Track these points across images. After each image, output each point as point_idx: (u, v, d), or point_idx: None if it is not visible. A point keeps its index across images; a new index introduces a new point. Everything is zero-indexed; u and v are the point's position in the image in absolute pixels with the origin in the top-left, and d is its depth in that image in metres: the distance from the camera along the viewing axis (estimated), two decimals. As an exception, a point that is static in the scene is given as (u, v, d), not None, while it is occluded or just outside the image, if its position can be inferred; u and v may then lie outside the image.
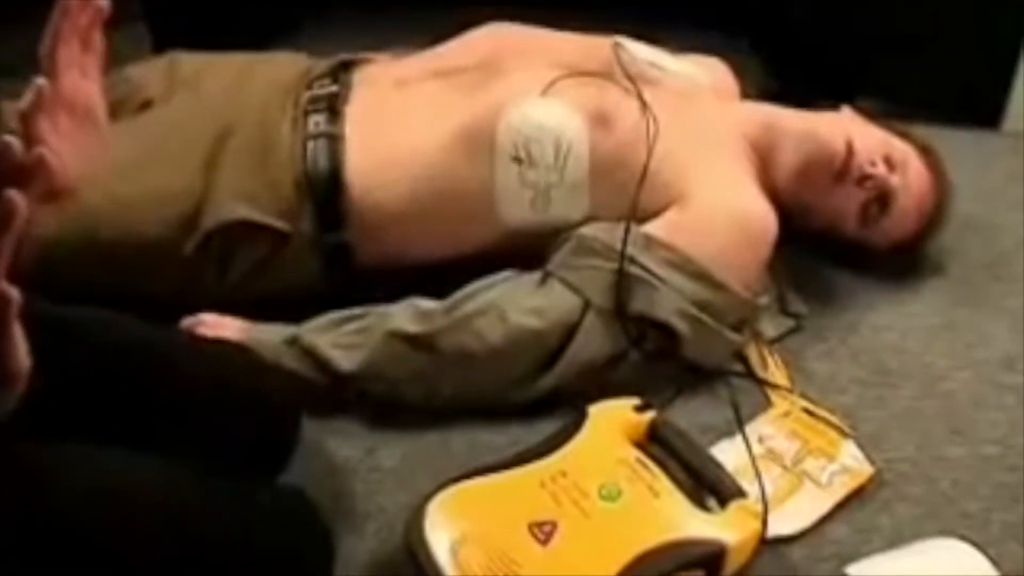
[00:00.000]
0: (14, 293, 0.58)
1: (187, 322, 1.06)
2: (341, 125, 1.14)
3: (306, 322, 1.08)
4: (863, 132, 1.23)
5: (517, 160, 1.11)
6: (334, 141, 1.12)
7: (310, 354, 1.04)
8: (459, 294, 1.08)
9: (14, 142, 0.66)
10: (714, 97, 1.28)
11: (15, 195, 0.57)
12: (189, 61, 1.26)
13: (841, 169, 1.19)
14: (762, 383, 1.14)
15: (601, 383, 1.07)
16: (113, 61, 1.08)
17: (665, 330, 1.09)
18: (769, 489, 0.99)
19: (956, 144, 1.36)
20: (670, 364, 1.11)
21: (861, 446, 1.06)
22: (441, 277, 1.12)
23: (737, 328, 1.14)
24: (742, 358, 1.16)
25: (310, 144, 1.12)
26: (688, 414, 1.08)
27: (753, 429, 1.08)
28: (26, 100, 0.73)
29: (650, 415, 1.00)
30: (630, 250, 1.08)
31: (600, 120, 1.14)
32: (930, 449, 1.07)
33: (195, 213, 1.08)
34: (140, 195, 1.08)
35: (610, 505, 0.91)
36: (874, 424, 1.09)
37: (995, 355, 1.20)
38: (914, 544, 0.94)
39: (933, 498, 1.01)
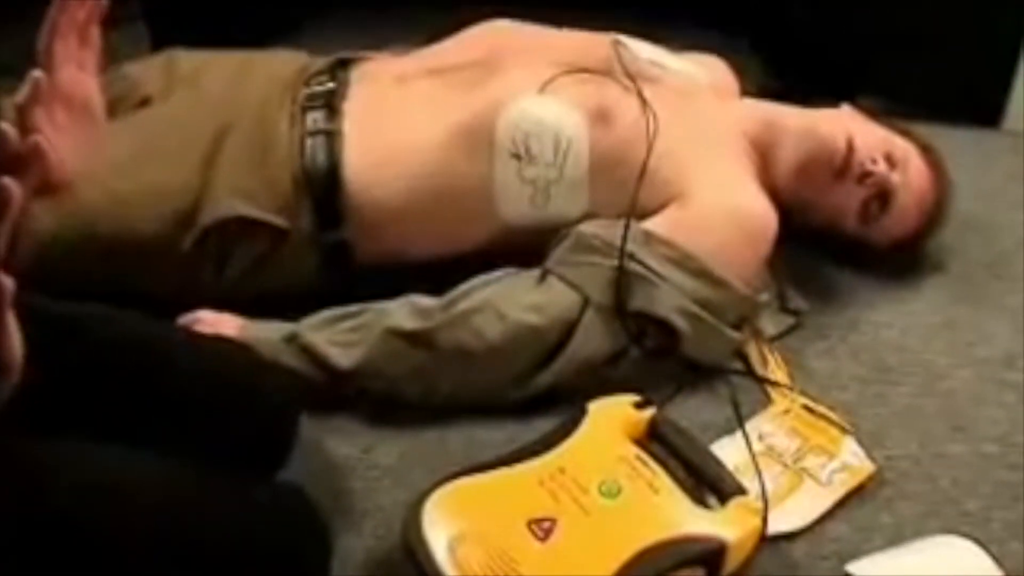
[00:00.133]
0: (8, 282, 0.57)
1: (185, 319, 1.06)
2: (339, 122, 1.14)
3: (304, 319, 1.07)
4: (864, 129, 1.22)
5: (516, 157, 1.11)
6: (332, 138, 1.12)
7: (308, 351, 1.04)
8: (457, 291, 1.08)
9: (9, 130, 0.66)
10: (714, 95, 1.28)
11: (10, 183, 0.57)
12: (187, 59, 1.26)
13: (841, 166, 1.19)
14: (762, 381, 1.13)
15: (600, 380, 1.06)
16: (112, 60, 1.09)
17: (665, 327, 1.09)
18: (769, 487, 0.99)
19: (956, 143, 1.36)
20: (670, 361, 1.11)
21: (862, 443, 1.05)
22: (440, 274, 1.11)
23: (737, 326, 1.14)
24: (742, 356, 1.16)
25: (308, 141, 1.12)
26: (688, 412, 1.07)
27: (753, 427, 1.07)
28: (23, 93, 0.73)
29: (650, 412, 1.00)
30: (629, 247, 1.08)
31: (600, 117, 1.13)
32: (931, 447, 1.06)
33: (193, 210, 1.08)
34: (138, 192, 1.07)
35: (610, 502, 0.90)
36: (874, 422, 1.09)
37: (996, 353, 1.19)
38: (915, 542, 0.94)
39: (934, 496, 1.01)
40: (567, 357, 1.06)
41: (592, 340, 1.07)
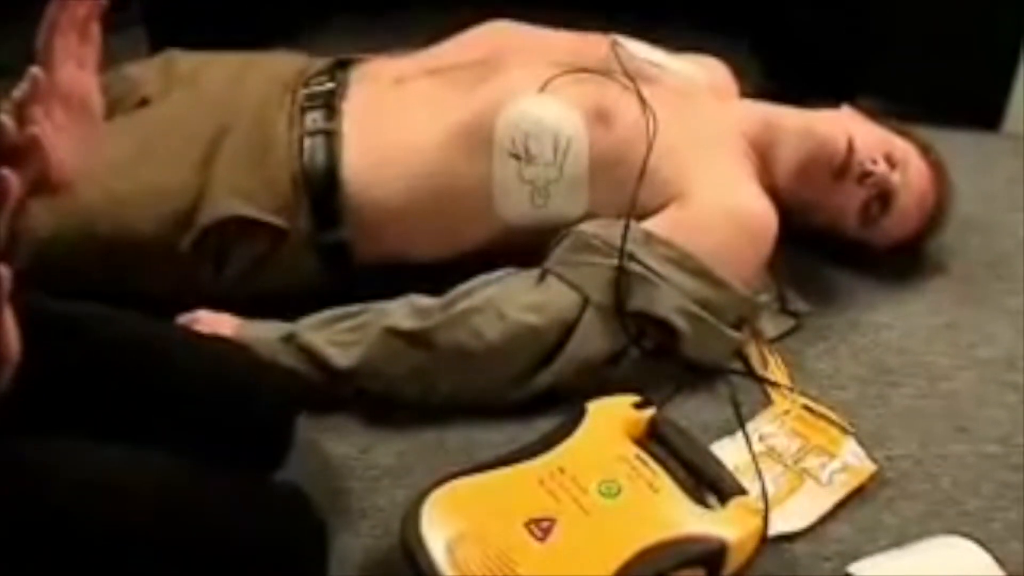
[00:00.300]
0: (5, 272, 0.57)
1: (183, 319, 1.05)
2: (338, 122, 1.13)
3: (303, 319, 1.07)
4: (863, 130, 1.22)
5: (515, 156, 1.11)
6: (331, 138, 1.12)
7: (306, 351, 1.04)
8: (457, 291, 1.08)
9: (8, 121, 0.65)
10: (712, 96, 1.28)
11: (8, 173, 0.56)
12: (186, 59, 1.26)
13: (841, 167, 1.19)
14: (762, 381, 1.13)
15: (600, 380, 1.06)
16: (111, 64, 1.09)
17: (664, 327, 1.08)
18: (770, 487, 0.98)
19: (956, 146, 1.36)
20: (670, 362, 1.11)
21: (862, 444, 1.05)
22: (439, 275, 1.11)
23: (737, 326, 1.13)
24: (742, 357, 1.15)
25: (307, 141, 1.12)
26: (688, 412, 1.07)
27: (753, 427, 1.07)
28: (21, 89, 0.73)
29: (650, 412, 0.99)
30: (629, 247, 1.08)
31: (599, 117, 1.13)
32: (932, 447, 1.06)
33: (191, 210, 1.07)
34: (137, 191, 1.07)
35: (609, 502, 0.90)
36: (875, 422, 1.09)
37: (997, 354, 1.19)
38: (917, 543, 0.93)
39: (935, 496, 1.00)
40: (567, 357, 1.06)
41: (592, 340, 1.07)
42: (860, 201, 1.21)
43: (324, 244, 1.12)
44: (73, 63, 0.78)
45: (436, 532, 0.86)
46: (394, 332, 1.04)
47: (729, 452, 1.02)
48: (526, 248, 1.12)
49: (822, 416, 1.08)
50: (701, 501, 0.93)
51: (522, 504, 0.89)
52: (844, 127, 1.21)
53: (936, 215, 1.26)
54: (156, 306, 0.95)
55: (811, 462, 1.03)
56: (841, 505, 0.98)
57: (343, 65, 1.23)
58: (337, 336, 1.05)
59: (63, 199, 0.81)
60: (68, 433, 0.76)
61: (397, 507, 0.92)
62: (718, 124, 1.23)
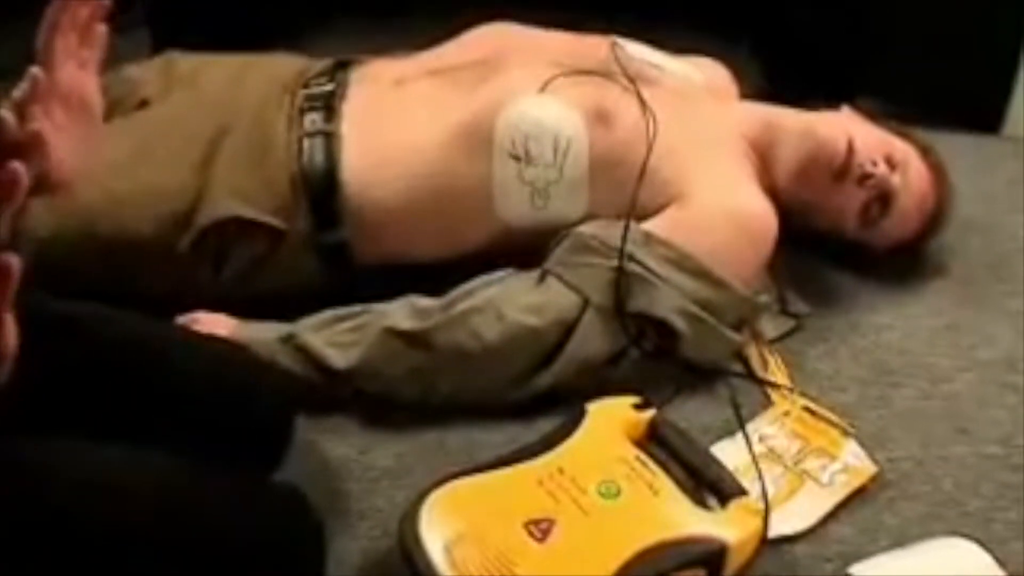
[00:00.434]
0: (14, 261, 0.57)
1: (182, 320, 1.05)
2: (337, 123, 1.13)
3: (302, 320, 1.07)
4: (863, 131, 1.22)
5: (515, 157, 1.11)
6: (330, 139, 1.12)
7: (304, 352, 1.03)
8: (456, 292, 1.07)
9: (9, 117, 0.65)
10: (712, 97, 1.28)
11: (17, 166, 0.56)
12: (186, 60, 1.26)
13: (841, 168, 1.19)
14: (762, 383, 1.12)
15: (600, 381, 1.06)
16: (113, 65, 1.09)
17: (664, 328, 1.08)
18: (770, 488, 0.98)
19: (956, 149, 1.36)
20: (670, 363, 1.10)
21: (863, 445, 1.04)
22: (439, 276, 1.11)
23: (737, 327, 1.13)
24: (742, 358, 1.15)
25: (306, 142, 1.11)
26: (688, 413, 1.07)
27: (754, 428, 1.06)
28: (21, 89, 0.72)
29: (650, 414, 0.99)
30: (629, 248, 1.07)
31: (599, 117, 1.13)
32: (933, 448, 1.05)
33: (190, 210, 1.07)
34: (136, 192, 1.07)
35: (609, 503, 0.89)
36: (876, 424, 1.08)
37: (998, 355, 1.19)
38: (918, 543, 0.93)
39: (937, 497, 1.00)
40: (566, 358, 1.06)
41: (591, 341, 1.07)
42: (860, 202, 1.21)
43: (323, 245, 1.12)
44: (73, 63, 0.78)
45: (434, 533, 0.85)
46: (393, 333, 1.04)
47: (729, 453, 1.02)
48: (526, 249, 1.12)
49: (822, 417, 1.08)
50: (701, 502, 0.92)
51: (521, 505, 0.88)
52: (844, 128, 1.21)
53: (936, 216, 1.26)
54: (155, 306, 0.95)
55: (811, 463, 1.02)
56: (842, 506, 0.98)
57: (343, 66, 1.23)
58: (336, 337, 1.05)
59: (63, 199, 0.81)
60: (67, 433, 0.76)
61: (396, 508, 0.91)
62: (718, 125, 1.23)
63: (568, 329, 1.06)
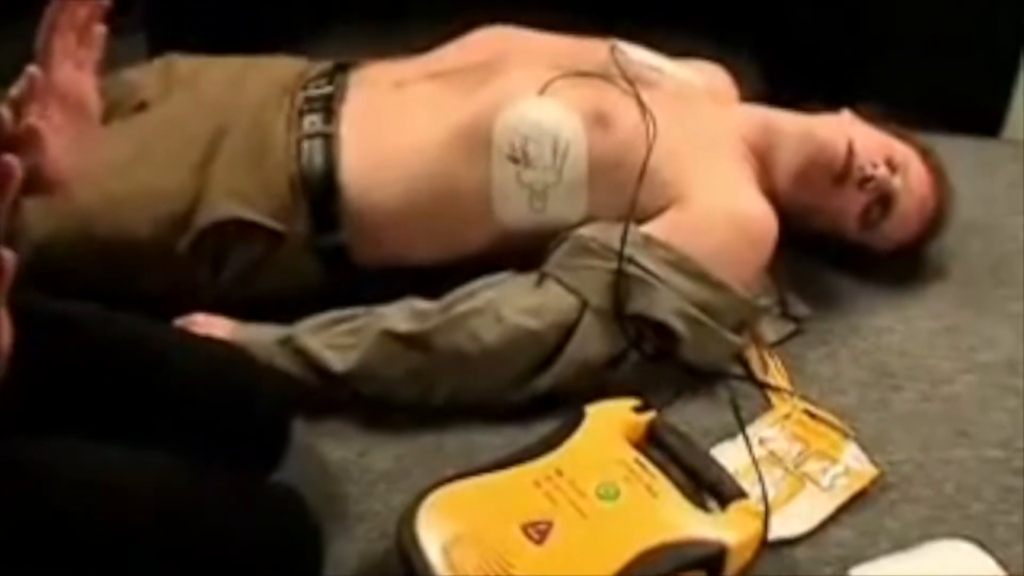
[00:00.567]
0: (9, 255, 0.57)
1: (179, 322, 1.05)
2: (336, 125, 1.13)
3: (300, 322, 1.07)
4: (863, 134, 1.22)
5: (514, 160, 1.11)
6: (329, 141, 1.12)
7: (302, 354, 1.03)
8: (455, 294, 1.07)
9: (5, 112, 0.65)
10: (712, 100, 1.27)
11: (12, 159, 0.56)
12: (186, 63, 1.26)
13: (842, 171, 1.18)
14: (762, 385, 1.12)
15: (599, 384, 1.05)
16: (111, 68, 1.09)
17: (664, 330, 1.08)
18: (770, 491, 0.97)
19: (957, 151, 1.35)
20: (669, 366, 1.10)
21: (864, 448, 1.04)
22: (438, 279, 1.10)
23: (737, 330, 1.13)
24: (742, 361, 1.15)
25: (305, 144, 1.11)
26: (688, 416, 1.06)
27: (754, 431, 1.06)
28: (17, 88, 0.72)
29: (649, 416, 0.99)
30: (628, 250, 1.07)
31: (598, 120, 1.13)
32: (934, 451, 1.05)
33: (189, 212, 1.07)
34: (134, 193, 1.07)
35: (608, 504, 0.89)
36: (877, 427, 1.08)
37: (999, 358, 1.18)
38: (919, 546, 0.92)
39: (938, 500, 0.99)
40: (565, 360, 1.05)
41: (591, 343, 1.06)
42: (860, 205, 1.20)
43: (322, 247, 1.11)
44: (71, 64, 0.78)
45: (432, 534, 0.85)
46: (392, 335, 1.04)
47: (729, 456, 1.01)
48: (525, 251, 1.12)
49: (823, 420, 1.08)
50: (701, 504, 0.92)
51: (519, 507, 0.88)
52: (844, 131, 1.20)
53: (937, 219, 1.26)
54: (154, 308, 0.95)
55: (812, 466, 1.02)
56: (843, 509, 0.98)
57: (342, 69, 1.23)
58: (334, 339, 1.04)
59: (60, 200, 0.81)
60: (66, 433, 0.76)
61: (394, 511, 0.91)
62: (718, 128, 1.22)
63: (567, 331, 1.06)
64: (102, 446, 0.76)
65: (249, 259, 1.10)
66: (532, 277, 1.10)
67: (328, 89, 1.17)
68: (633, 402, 1.00)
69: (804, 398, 1.10)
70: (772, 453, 1.04)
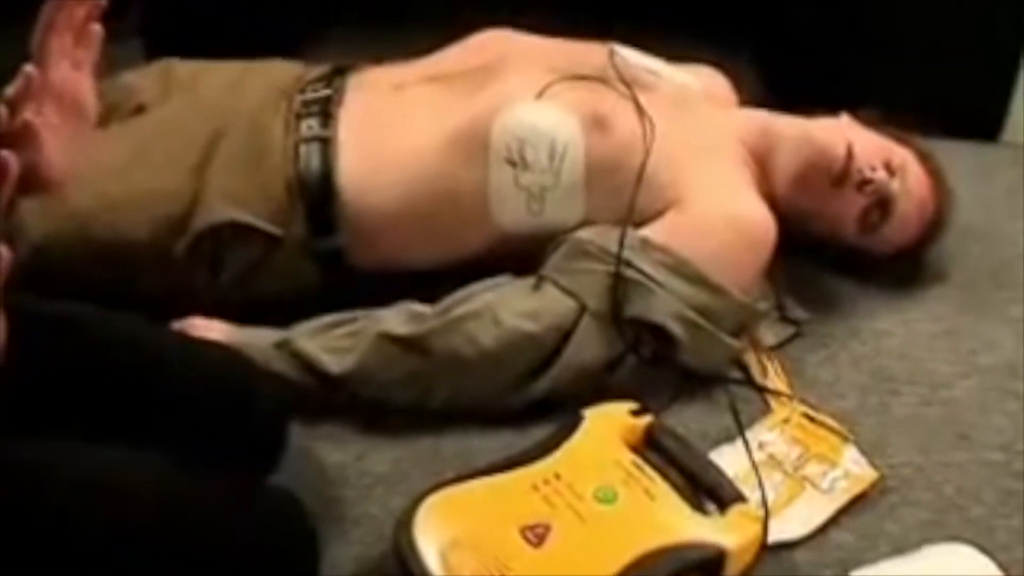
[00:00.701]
0: (6, 252, 0.57)
1: (176, 325, 1.04)
2: (334, 128, 1.13)
3: (297, 325, 1.06)
4: (862, 137, 1.21)
5: (511, 163, 1.10)
6: (326, 144, 1.12)
7: (299, 357, 1.03)
8: (453, 297, 1.07)
9: (1, 110, 0.65)
10: (710, 104, 1.27)
11: (8, 154, 0.56)
12: (184, 67, 1.26)
13: (840, 174, 1.18)
14: (761, 389, 1.12)
15: (598, 388, 1.05)
16: (109, 72, 1.09)
17: (662, 334, 1.07)
18: (770, 495, 0.97)
19: (956, 156, 1.35)
20: (668, 370, 1.09)
21: (864, 452, 1.03)
22: (436, 282, 1.10)
23: (735, 333, 1.12)
24: (741, 365, 1.14)
25: (302, 147, 1.11)
26: (686, 420, 1.06)
27: (753, 435, 1.05)
28: (13, 87, 0.72)
29: (647, 419, 0.98)
30: (626, 253, 1.07)
31: (596, 123, 1.13)
32: (935, 455, 1.05)
33: (186, 214, 1.07)
34: (131, 196, 1.07)
35: (606, 508, 0.88)
36: (877, 430, 1.07)
37: (999, 362, 1.18)
38: (919, 550, 0.92)
39: (938, 504, 0.99)
40: (563, 364, 1.05)
41: (588, 347, 1.06)
42: (859, 208, 1.20)
43: (320, 250, 1.11)
44: (68, 64, 0.77)
45: (429, 538, 0.84)
46: (389, 338, 1.03)
47: (729, 460, 1.01)
48: (523, 255, 1.11)
49: (822, 424, 1.07)
50: (699, 508, 0.91)
51: (517, 510, 0.87)
52: (843, 134, 1.20)
53: (936, 222, 1.25)
54: (151, 310, 0.94)
55: (811, 469, 1.02)
56: (842, 512, 0.97)
57: (340, 72, 1.23)
58: (331, 342, 1.04)
59: (56, 201, 0.81)
60: (63, 434, 0.76)
61: (391, 515, 0.90)
62: (716, 131, 1.22)
63: (565, 335, 1.06)
64: (99, 447, 0.76)
65: (246, 262, 1.10)
66: (530, 280, 1.09)
67: (326, 92, 1.17)
68: (631, 405, 0.99)
69: (804, 402, 1.10)
70: (771, 457, 1.03)
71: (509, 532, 0.85)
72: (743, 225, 1.13)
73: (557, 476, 0.91)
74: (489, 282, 1.10)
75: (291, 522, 0.83)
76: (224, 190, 1.08)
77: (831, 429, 1.06)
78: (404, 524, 0.86)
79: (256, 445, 0.89)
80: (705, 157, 1.17)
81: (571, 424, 0.97)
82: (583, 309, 1.06)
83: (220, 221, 1.07)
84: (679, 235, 1.10)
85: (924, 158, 1.26)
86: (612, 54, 1.23)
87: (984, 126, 1.63)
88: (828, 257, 1.27)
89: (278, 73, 1.23)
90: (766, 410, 1.09)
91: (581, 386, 1.05)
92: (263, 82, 1.20)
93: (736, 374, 1.13)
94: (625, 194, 1.10)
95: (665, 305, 1.07)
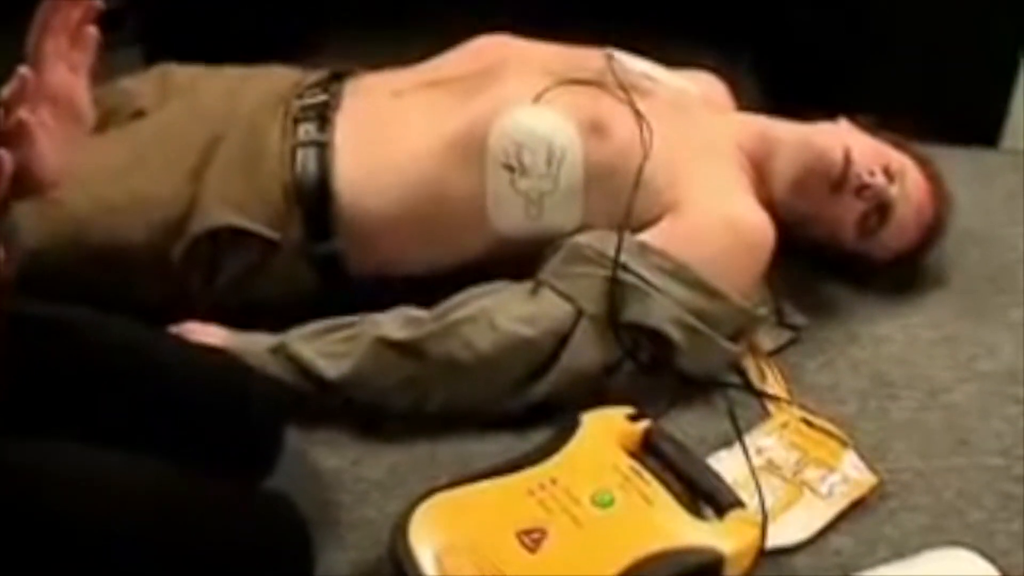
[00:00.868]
0: (0, 253, 0.57)
1: (173, 330, 1.04)
2: (331, 133, 1.13)
3: (293, 330, 1.06)
4: (860, 142, 1.21)
5: (509, 168, 1.10)
6: (323, 149, 1.12)
7: (295, 362, 1.03)
8: (449, 302, 1.07)
9: None
10: (708, 109, 1.27)
11: (2, 152, 0.56)
12: (183, 72, 1.26)
13: (839, 179, 1.18)
14: (760, 394, 1.11)
15: (595, 393, 1.05)
16: (108, 78, 1.09)
17: (659, 339, 1.07)
18: (768, 500, 0.96)
19: (955, 162, 1.35)
20: (666, 375, 1.09)
21: (863, 457, 1.03)
22: (433, 287, 1.10)
23: (733, 338, 1.12)
24: (739, 370, 1.14)
25: (299, 152, 1.11)
26: (684, 425, 1.05)
27: (751, 440, 1.05)
28: (8, 89, 0.72)
29: (644, 424, 0.98)
30: (623, 257, 1.07)
31: (594, 128, 1.12)
32: (934, 460, 1.04)
33: (183, 219, 1.07)
34: (128, 200, 1.07)
35: (603, 512, 0.88)
36: (876, 435, 1.07)
37: (998, 367, 1.17)
38: (919, 555, 0.91)
39: (938, 508, 0.99)
40: (560, 368, 1.05)
41: (586, 351, 1.06)
42: (858, 213, 1.20)
43: (316, 255, 1.11)
44: (64, 66, 0.77)
45: (425, 542, 0.84)
46: (385, 343, 1.03)
47: (727, 465, 1.00)
48: (521, 259, 1.11)
49: (821, 429, 1.07)
50: (697, 513, 0.91)
51: (513, 515, 0.87)
52: (841, 139, 1.20)
53: (934, 227, 1.25)
54: (148, 314, 0.94)
55: (810, 474, 1.01)
56: (842, 517, 0.97)
57: (338, 78, 1.23)
58: (328, 347, 1.04)
59: (53, 205, 0.81)
60: (60, 437, 0.75)
61: (387, 519, 0.90)
62: (714, 136, 1.22)
63: (562, 340, 1.05)
64: (96, 451, 0.76)
65: (243, 267, 1.09)
66: (527, 285, 1.09)
67: (323, 98, 1.17)
68: (629, 410, 0.99)
69: (802, 407, 1.10)
70: (770, 462, 1.03)
71: (505, 537, 0.85)
72: (741, 229, 1.13)
73: (554, 481, 0.90)
74: (486, 287, 1.09)
75: (286, 526, 0.82)
76: (221, 194, 1.08)
77: (830, 434, 1.06)
78: (400, 528, 0.85)
79: (252, 449, 0.89)
80: (703, 162, 1.17)
81: (568, 429, 0.96)
82: (580, 313, 1.06)
83: (217, 225, 1.07)
84: (677, 239, 1.10)
85: (923, 163, 1.26)
86: (610, 59, 1.23)
87: (983, 132, 1.63)
88: (827, 262, 1.27)
89: (276, 79, 1.23)
90: (764, 415, 1.09)
91: (578, 391, 1.05)
92: (261, 87, 1.20)
93: (734, 379, 1.13)
94: (623, 199, 1.10)
95: (663, 309, 1.06)
